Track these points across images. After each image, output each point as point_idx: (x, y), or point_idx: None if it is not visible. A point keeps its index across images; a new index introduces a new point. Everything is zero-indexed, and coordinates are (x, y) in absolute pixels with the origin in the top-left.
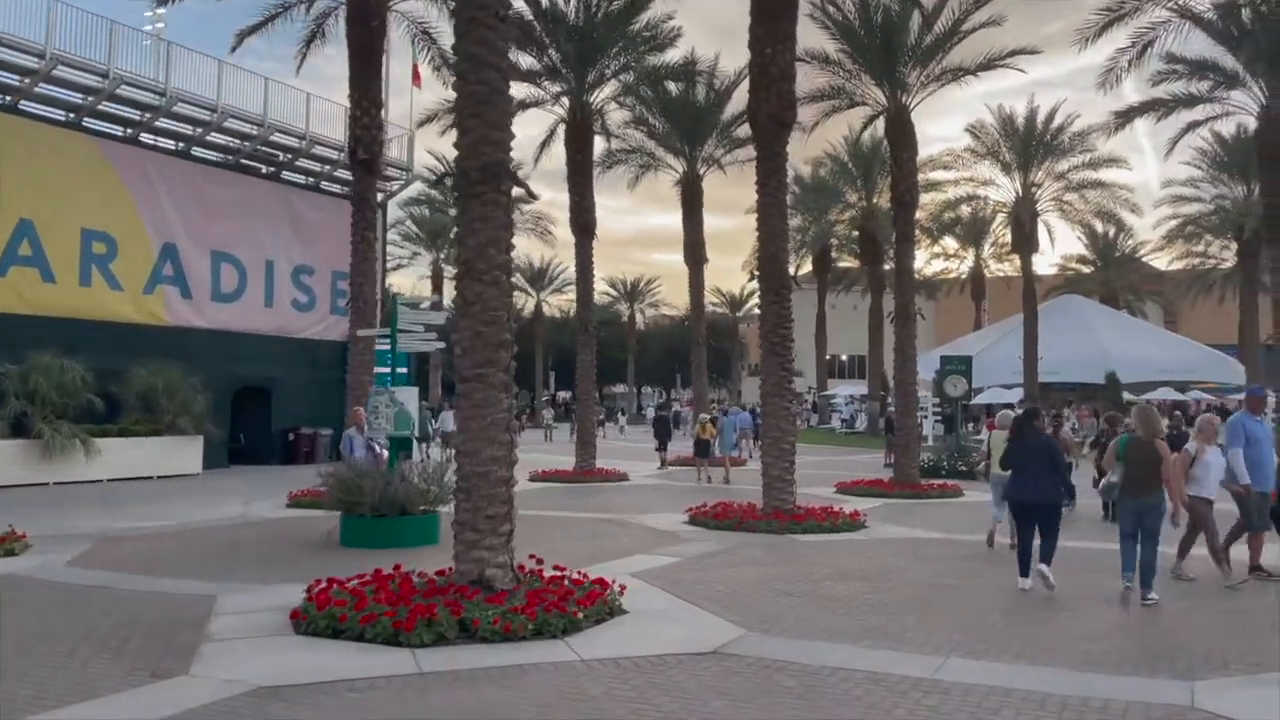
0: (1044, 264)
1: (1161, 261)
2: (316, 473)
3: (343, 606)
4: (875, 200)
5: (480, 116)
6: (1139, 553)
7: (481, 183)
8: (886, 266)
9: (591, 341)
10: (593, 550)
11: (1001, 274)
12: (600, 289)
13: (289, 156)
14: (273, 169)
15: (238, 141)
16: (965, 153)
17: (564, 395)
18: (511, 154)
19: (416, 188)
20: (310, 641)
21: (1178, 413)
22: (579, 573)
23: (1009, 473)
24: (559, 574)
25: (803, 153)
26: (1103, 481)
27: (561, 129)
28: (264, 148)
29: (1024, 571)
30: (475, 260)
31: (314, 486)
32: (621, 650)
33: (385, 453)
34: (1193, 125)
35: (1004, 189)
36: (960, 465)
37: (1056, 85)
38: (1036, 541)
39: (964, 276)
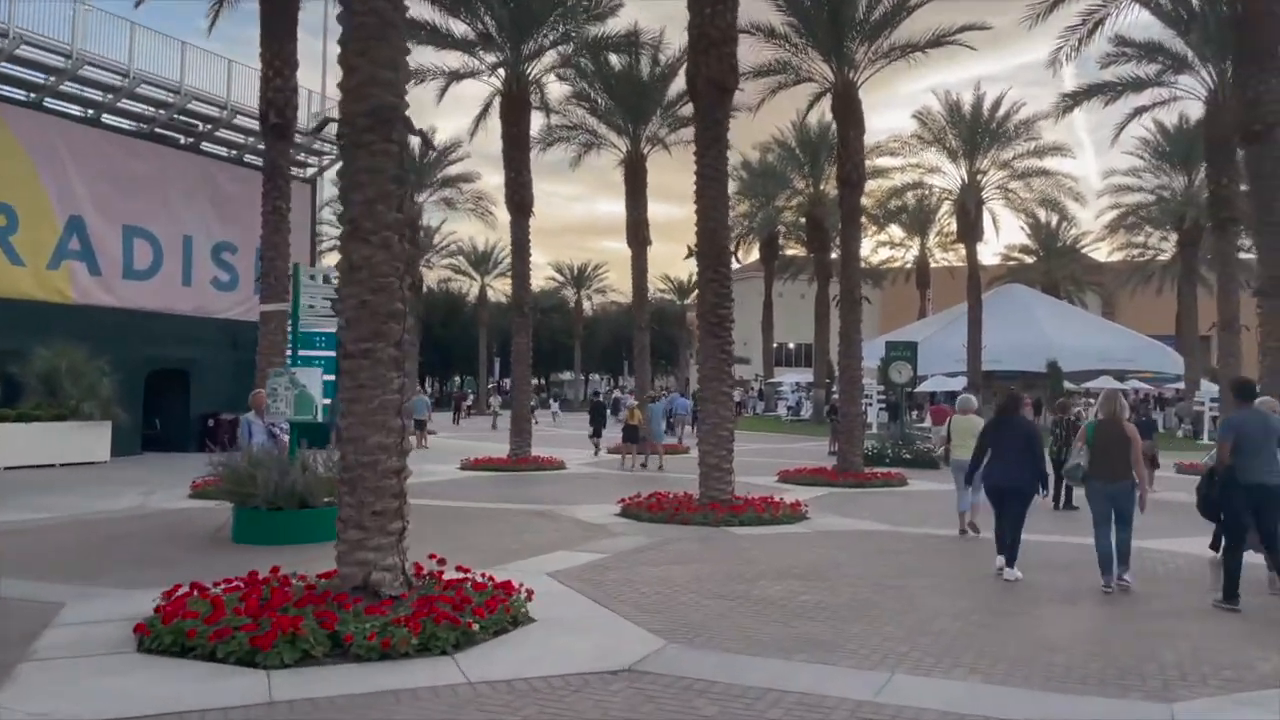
0: (988, 254)
1: (1102, 253)
2: (207, 461)
3: (194, 619)
4: (822, 187)
5: (368, 54)
6: (1113, 536)
7: (369, 130)
8: (834, 255)
9: (527, 324)
10: (513, 546)
11: (946, 263)
12: (546, 274)
13: (209, 126)
14: (191, 140)
15: (152, 109)
16: (912, 139)
17: (507, 383)
18: (405, 100)
19: None
20: (152, 661)
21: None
22: (484, 575)
23: (976, 459)
24: (461, 576)
25: (749, 138)
26: (1068, 464)
27: (498, 102)
28: (181, 116)
29: (1001, 550)
30: (362, 219)
31: (208, 476)
32: (519, 669)
33: (287, 438)
34: (1139, 110)
35: (950, 177)
36: (904, 453)
37: (1002, 79)
38: None
39: (909, 266)
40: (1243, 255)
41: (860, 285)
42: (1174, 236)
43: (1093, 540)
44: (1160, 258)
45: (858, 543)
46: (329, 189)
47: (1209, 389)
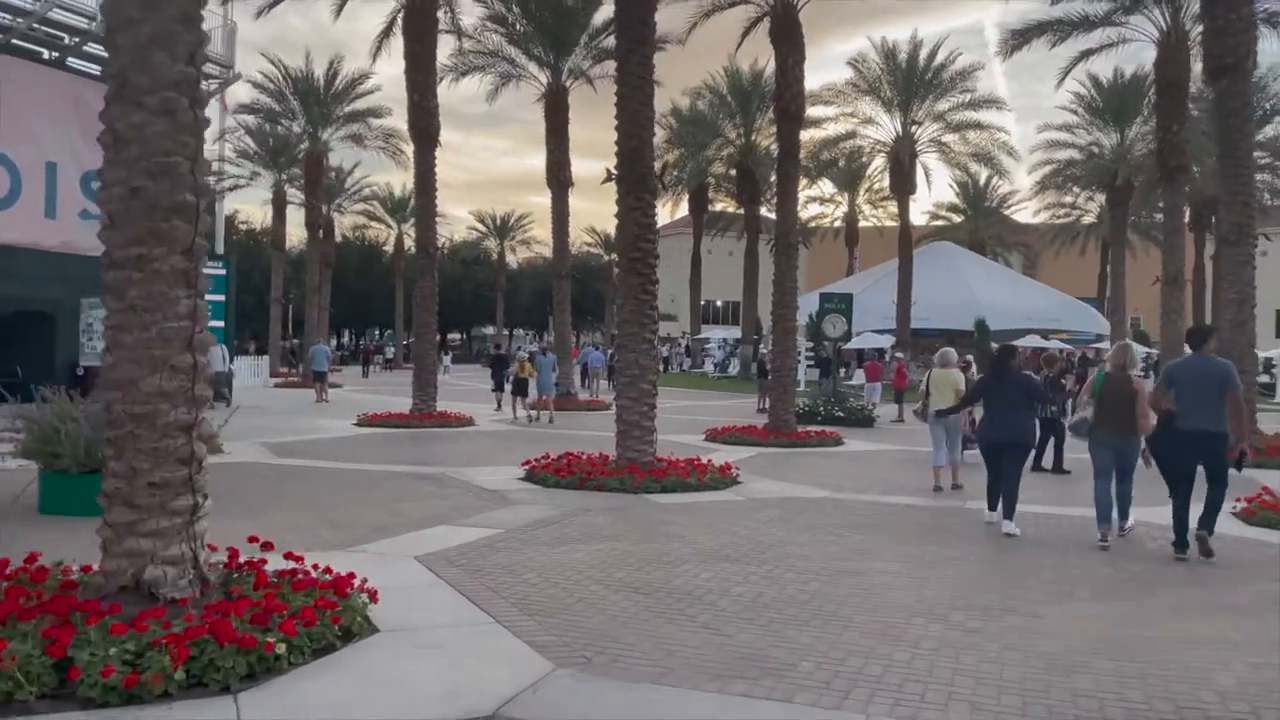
0: (916, 212)
1: (1028, 213)
2: (8, 413)
3: None
4: (754, 137)
5: None
6: (1114, 489)
7: None
8: (764, 211)
9: (432, 266)
10: (385, 520)
11: (875, 221)
12: (467, 224)
13: (76, 40)
14: (56, 54)
15: (9, 18)
16: (847, 87)
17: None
18: None
19: (249, 93)
20: None
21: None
22: (321, 567)
23: (959, 406)
24: (292, 568)
25: (680, 82)
26: (1074, 418)
27: (401, 18)
28: (44, 26)
29: (992, 505)
30: (132, 72)
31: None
32: (329, 717)
33: None
34: (1086, 54)
35: (884, 129)
36: (837, 411)
37: (939, 39)
38: None
39: (838, 223)
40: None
41: (797, 229)
42: (1100, 198)
43: (1086, 510)
44: (1085, 219)
45: (798, 514)
46: (227, 120)
47: (1137, 349)
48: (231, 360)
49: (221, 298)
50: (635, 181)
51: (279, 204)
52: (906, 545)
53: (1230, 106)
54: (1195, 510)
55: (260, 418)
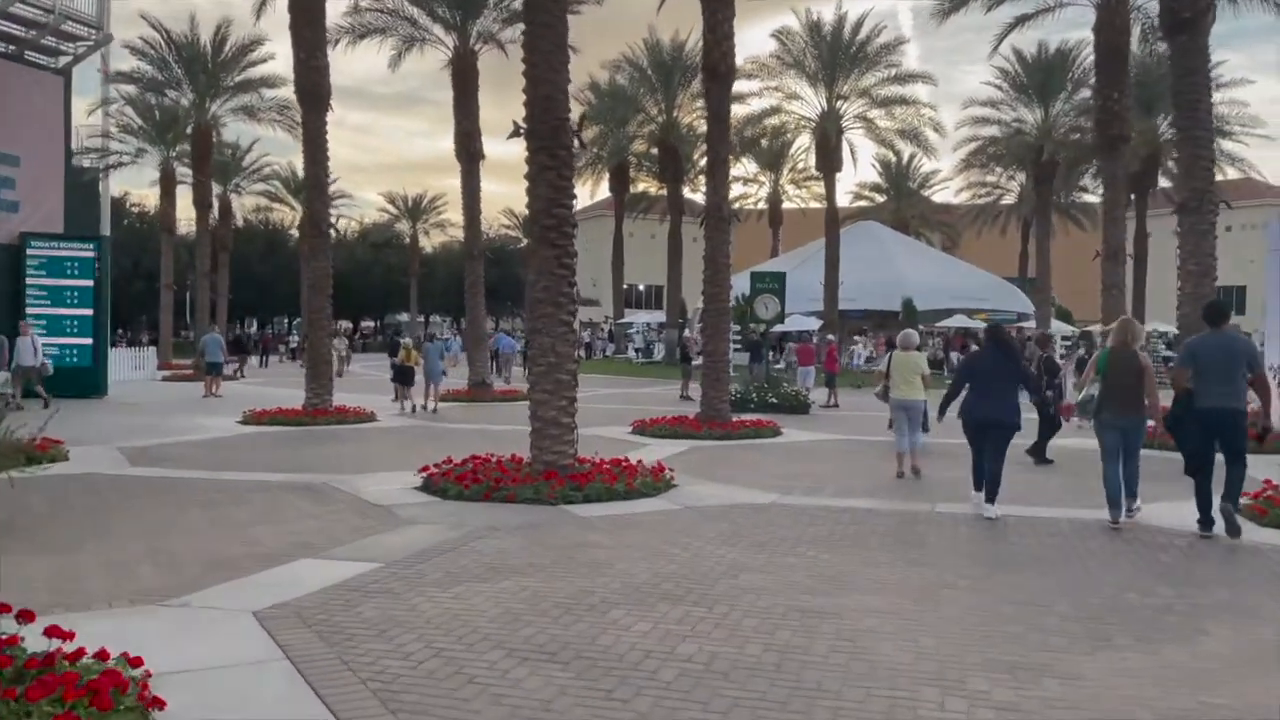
0: (839, 193)
1: (950, 193)
2: None
3: None
4: (677, 114)
5: None
6: (1123, 470)
7: None
8: (688, 192)
9: (325, 245)
10: (233, 552)
11: (799, 202)
12: (378, 205)
13: None
14: None
15: None
16: (771, 59)
17: (345, 324)
18: None
19: (131, 62)
20: None
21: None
22: (88, 651)
23: (951, 392)
24: (49, 653)
25: (598, 55)
26: (1081, 395)
27: None
28: None
29: (979, 485)
30: None
31: None
32: None
33: None
34: (1022, 19)
35: (809, 104)
36: (771, 397)
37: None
38: None
39: (760, 206)
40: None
41: (729, 200)
42: (1020, 178)
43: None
44: (1006, 199)
45: (747, 526)
46: (90, 82)
47: (1060, 327)
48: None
49: (89, 283)
50: (547, 136)
51: (167, 183)
52: (880, 567)
53: (1188, 64)
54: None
55: (132, 416)
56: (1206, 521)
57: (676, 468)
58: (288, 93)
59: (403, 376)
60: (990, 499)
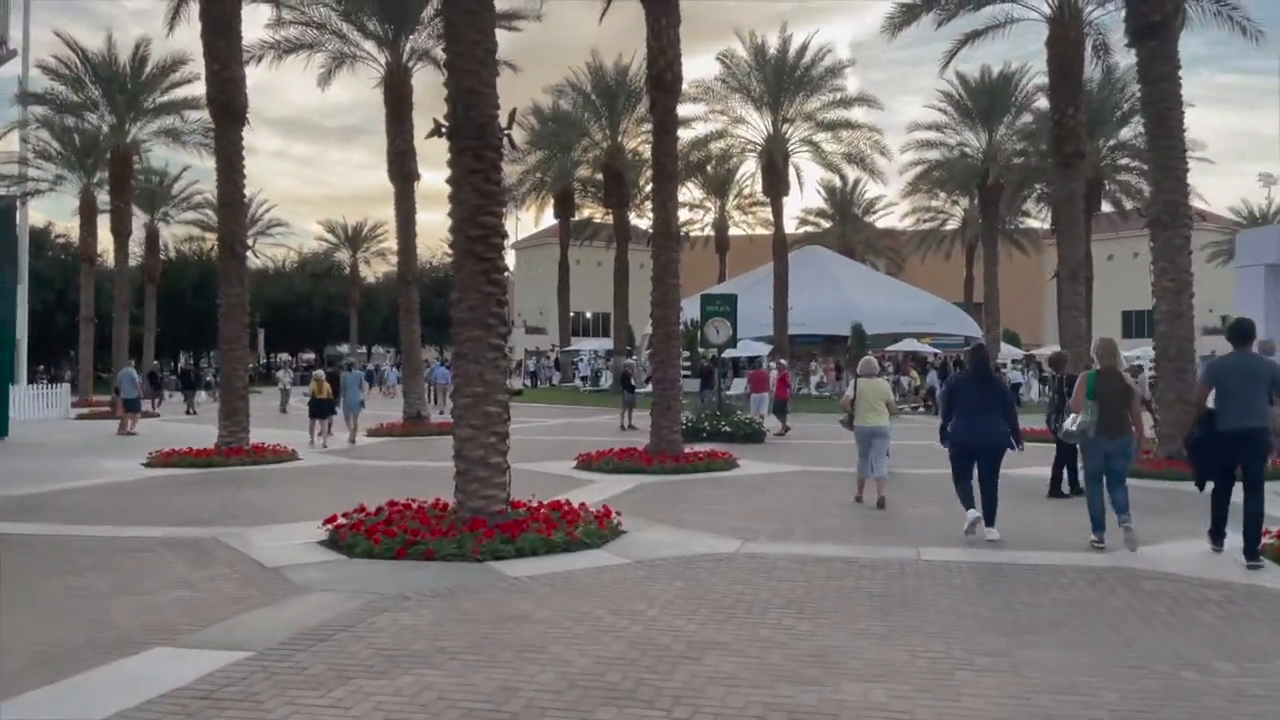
0: (786, 218)
1: (894, 218)
2: None
3: None
4: (621, 139)
5: None
6: (1111, 494)
7: None
8: (634, 218)
9: (241, 269)
10: (71, 637)
11: (745, 229)
12: (316, 233)
13: None
14: None
15: None
16: (716, 82)
17: (284, 356)
18: None
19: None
20: None
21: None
22: None
23: (945, 416)
24: None
25: (541, 79)
26: (1074, 422)
27: None
28: None
29: (969, 504)
30: None
31: None
32: None
33: None
34: (973, 35)
35: (755, 128)
36: (724, 426)
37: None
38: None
39: (707, 232)
40: (1031, 221)
41: (677, 214)
42: (964, 203)
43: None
44: (951, 224)
45: (708, 586)
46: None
47: (1010, 351)
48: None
49: None
50: (472, 134)
51: (88, 211)
52: (875, 639)
53: (1158, 71)
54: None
55: (27, 459)
56: (1219, 535)
57: (625, 508)
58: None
59: (318, 410)
60: (990, 521)
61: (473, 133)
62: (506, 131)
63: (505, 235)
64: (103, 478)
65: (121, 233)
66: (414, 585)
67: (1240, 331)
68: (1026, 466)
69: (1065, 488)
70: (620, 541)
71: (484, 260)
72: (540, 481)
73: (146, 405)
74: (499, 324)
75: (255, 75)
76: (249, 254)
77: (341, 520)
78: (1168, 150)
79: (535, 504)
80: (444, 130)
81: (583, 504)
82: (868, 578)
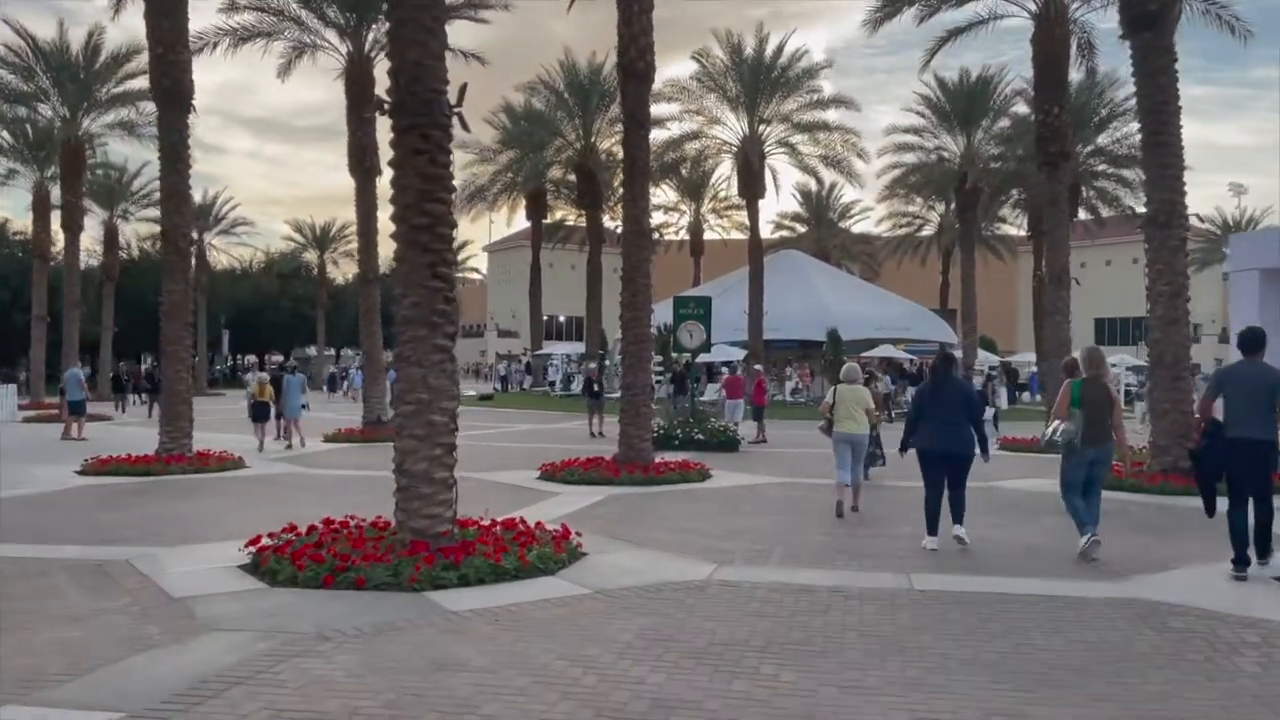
0: (761, 222)
1: (870, 222)
2: None
3: None
4: (594, 139)
5: None
6: (1085, 501)
7: None
8: (607, 221)
9: (185, 264)
10: None
11: (720, 232)
12: (283, 233)
13: None
14: None
15: None
16: (691, 80)
17: (252, 360)
18: None
19: None
20: None
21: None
22: None
23: (910, 426)
24: None
25: (514, 76)
26: (1059, 429)
27: None
28: None
29: (932, 530)
30: None
31: None
32: None
33: None
34: (955, 33)
35: (731, 128)
36: (697, 433)
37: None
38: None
39: (681, 235)
40: (1007, 227)
41: (649, 210)
42: (940, 208)
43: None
44: (926, 229)
45: (677, 621)
46: None
47: (986, 357)
48: None
49: None
50: (418, 111)
51: (41, 206)
52: (871, 694)
53: (1155, 64)
54: None
55: None
56: (1242, 561)
57: (588, 525)
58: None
59: (257, 414)
60: (957, 519)
61: (417, 109)
62: (456, 109)
63: (454, 225)
64: (28, 487)
65: (73, 228)
66: (337, 622)
67: (1250, 340)
68: (1026, 478)
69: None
70: (580, 566)
71: (429, 251)
72: (498, 494)
73: (108, 409)
74: (446, 323)
75: (226, 73)
76: (212, 253)
77: (266, 541)
78: (1164, 147)
79: (487, 522)
80: (385, 107)
81: (539, 523)
82: (856, 611)
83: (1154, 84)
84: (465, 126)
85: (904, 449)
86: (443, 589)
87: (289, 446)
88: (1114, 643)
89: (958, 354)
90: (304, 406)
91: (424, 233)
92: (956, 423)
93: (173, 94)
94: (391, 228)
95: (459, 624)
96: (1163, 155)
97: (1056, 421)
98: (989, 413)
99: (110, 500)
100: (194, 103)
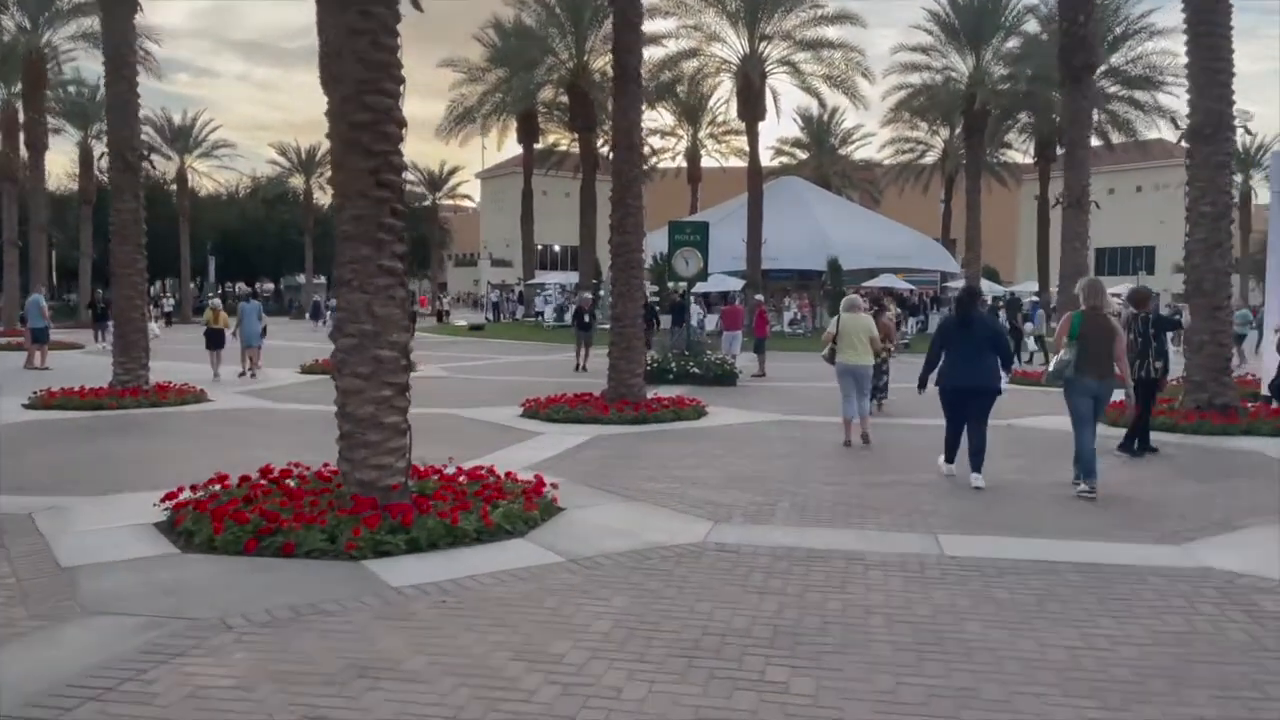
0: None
1: (872, 149)
2: None
3: None
4: (587, 58)
5: None
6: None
7: None
8: (601, 145)
9: (135, 182)
10: None
11: (718, 159)
12: (268, 158)
13: None
14: None
15: None
16: None
17: (242, 288)
18: None
19: None
20: None
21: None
22: None
23: (931, 359)
24: None
25: None
26: (1054, 361)
27: None
28: None
29: (950, 457)
30: None
31: None
32: None
33: None
34: None
35: (731, 46)
36: (692, 367)
37: None
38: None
39: (678, 163)
40: (1013, 153)
41: (640, 122)
42: (944, 134)
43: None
44: (930, 156)
45: (664, 602)
46: None
47: (991, 286)
48: None
49: None
50: None
51: (8, 125)
52: (910, 714)
53: None
54: None
55: None
56: None
57: (570, 472)
58: (140, 19)
59: (211, 341)
60: (976, 468)
61: None
62: None
63: (403, 123)
64: None
65: (38, 147)
66: (248, 602)
67: None
68: (1042, 416)
69: (1137, 444)
70: (554, 525)
71: (372, 154)
72: (475, 433)
73: (86, 337)
74: (393, 240)
75: None
76: (196, 177)
77: (187, 495)
78: (1212, 51)
79: (452, 470)
80: None
81: (509, 473)
82: (879, 586)
83: None
84: (416, 4)
85: (923, 385)
86: (387, 556)
87: (249, 375)
88: (1202, 633)
89: (950, 285)
90: (261, 333)
91: (365, 131)
92: (983, 357)
93: None
94: None
95: (398, 605)
96: (1210, 58)
97: (1056, 355)
98: (1030, 340)
99: (49, 438)
100: (141, 3)
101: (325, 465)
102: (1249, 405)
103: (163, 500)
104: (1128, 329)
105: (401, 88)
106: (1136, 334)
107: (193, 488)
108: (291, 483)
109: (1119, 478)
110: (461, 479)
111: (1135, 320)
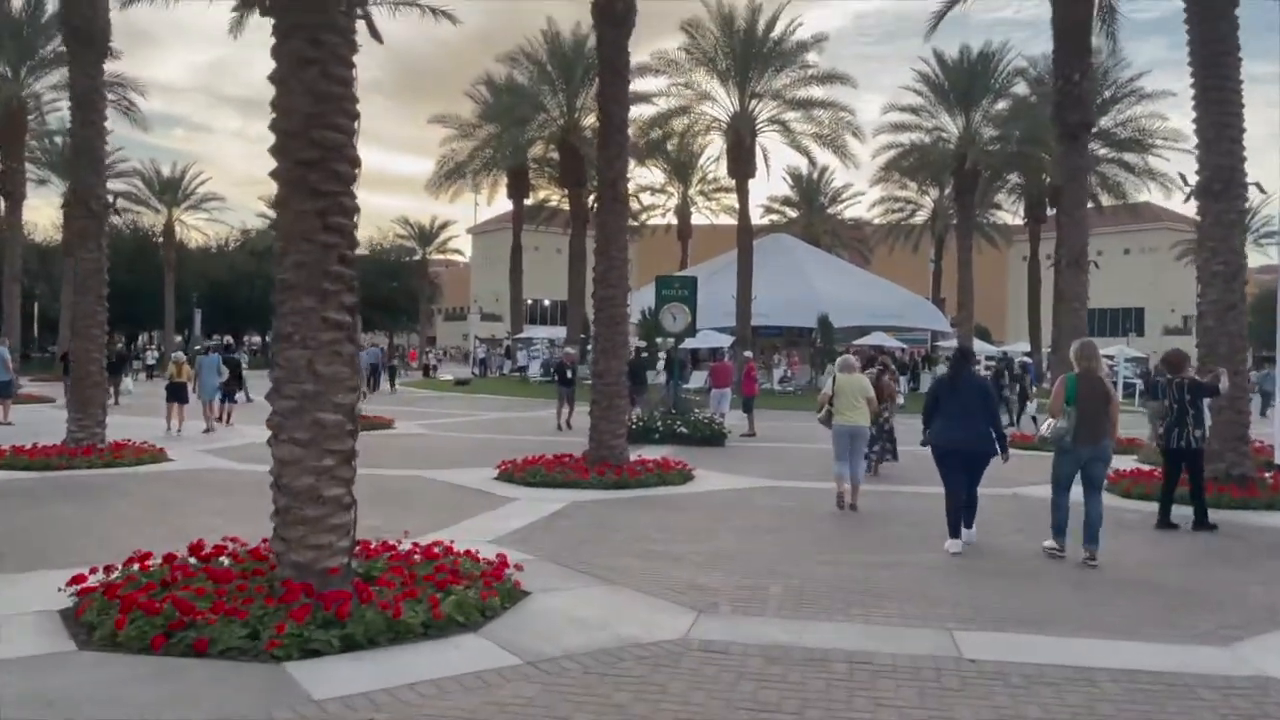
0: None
1: (862, 208)
2: None
3: None
4: (578, 114)
5: None
6: (1086, 506)
7: None
8: (593, 201)
9: (99, 229)
10: None
11: (709, 215)
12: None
13: None
14: None
15: None
16: (680, 53)
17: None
18: None
19: None
20: None
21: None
22: None
23: (927, 417)
24: None
25: (494, 48)
26: (1051, 426)
27: None
28: None
29: (955, 532)
30: None
31: None
32: None
33: None
34: None
35: (721, 104)
36: (679, 426)
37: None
38: None
39: (668, 220)
40: (1002, 214)
41: (626, 173)
42: (934, 193)
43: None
44: (920, 215)
45: None
46: None
47: (983, 347)
48: None
49: None
50: (306, 6)
51: None
52: None
53: (1214, 6)
54: None
55: None
56: None
57: (540, 547)
58: (119, 66)
59: (174, 394)
60: (968, 523)
61: (307, 4)
62: (361, 10)
63: (356, 162)
64: None
65: (15, 196)
66: None
67: None
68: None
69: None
70: (515, 615)
71: (320, 195)
72: (443, 498)
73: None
74: (342, 290)
75: (215, 51)
76: (185, 230)
77: (99, 579)
78: (1222, 104)
79: (406, 547)
80: (266, 2)
81: (469, 551)
82: (890, 699)
83: (1213, 30)
84: (375, 33)
85: (925, 442)
86: (316, 655)
87: (212, 430)
88: None
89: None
90: (218, 388)
91: (313, 170)
92: (975, 419)
93: (83, 34)
94: (377, 211)
95: None
96: (1219, 112)
97: (1049, 419)
98: (1031, 406)
99: None
100: (111, 45)
101: (264, 541)
102: (1266, 475)
103: (69, 584)
104: (1163, 395)
105: (356, 124)
106: (1173, 400)
107: (106, 569)
108: (225, 561)
109: (1141, 557)
110: (416, 557)
111: (1170, 386)
